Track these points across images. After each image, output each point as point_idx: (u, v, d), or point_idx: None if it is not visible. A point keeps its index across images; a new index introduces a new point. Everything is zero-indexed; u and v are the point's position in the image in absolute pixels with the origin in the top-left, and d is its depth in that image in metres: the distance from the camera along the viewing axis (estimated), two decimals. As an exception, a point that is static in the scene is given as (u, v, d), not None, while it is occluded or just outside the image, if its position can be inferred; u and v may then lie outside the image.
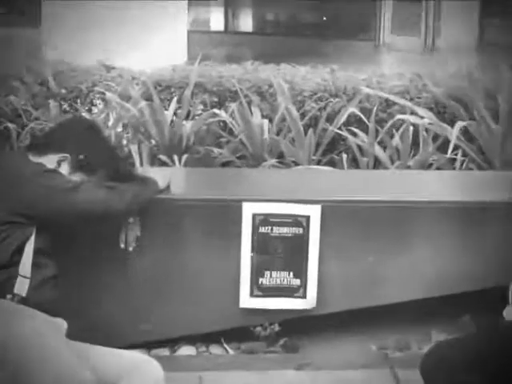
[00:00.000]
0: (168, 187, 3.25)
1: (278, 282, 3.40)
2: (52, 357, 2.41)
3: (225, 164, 5.01)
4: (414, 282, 3.47)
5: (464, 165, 4.88)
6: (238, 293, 3.38)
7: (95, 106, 5.64)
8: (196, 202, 3.35)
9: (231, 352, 3.49)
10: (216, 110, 5.26)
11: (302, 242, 3.38)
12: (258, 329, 3.45)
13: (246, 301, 3.40)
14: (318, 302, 3.42)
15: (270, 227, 3.36)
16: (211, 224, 3.34)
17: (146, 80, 5.50)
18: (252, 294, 3.39)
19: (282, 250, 3.37)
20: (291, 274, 3.39)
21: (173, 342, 3.46)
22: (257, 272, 3.37)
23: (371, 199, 3.46)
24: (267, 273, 3.38)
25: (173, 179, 3.29)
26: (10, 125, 5.26)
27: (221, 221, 3.34)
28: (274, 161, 4.89)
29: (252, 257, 3.36)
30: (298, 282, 3.40)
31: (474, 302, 3.46)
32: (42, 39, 8.45)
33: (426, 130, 5.00)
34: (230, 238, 3.34)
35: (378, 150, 4.99)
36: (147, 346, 3.41)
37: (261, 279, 3.39)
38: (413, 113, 5.11)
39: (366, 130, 5.06)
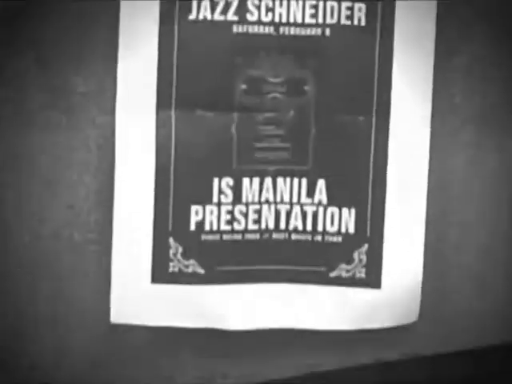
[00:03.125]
0: None
1: (268, 222, 0.89)
2: None
3: None
4: None
5: None
6: (107, 271, 0.89)
7: None
8: None
9: None
10: None
11: (367, 73, 0.87)
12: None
13: (144, 298, 0.88)
14: (429, 304, 0.94)
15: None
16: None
17: None
18: (163, 272, 0.88)
19: (283, 99, 0.87)
20: (321, 189, 0.88)
21: None
22: (183, 185, 0.88)
23: None
24: (224, 182, 0.88)
25: None
26: None
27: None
28: None
29: (166, 118, 0.85)
30: (349, 220, 0.89)
31: None
32: None
33: None
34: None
35: None
36: None
37: (196, 210, 0.87)
38: None
39: None
